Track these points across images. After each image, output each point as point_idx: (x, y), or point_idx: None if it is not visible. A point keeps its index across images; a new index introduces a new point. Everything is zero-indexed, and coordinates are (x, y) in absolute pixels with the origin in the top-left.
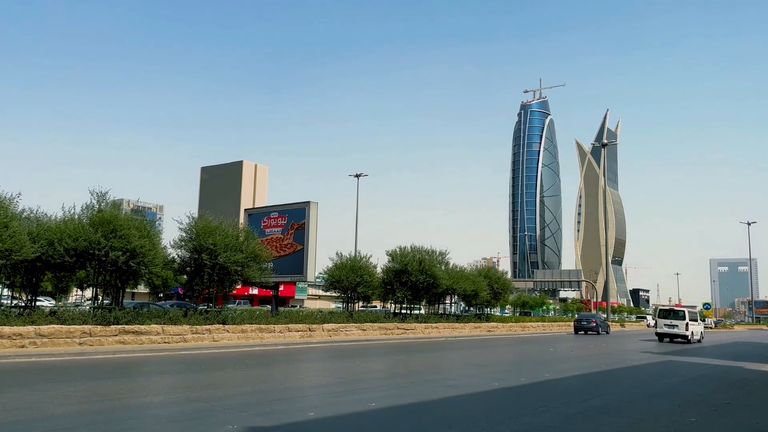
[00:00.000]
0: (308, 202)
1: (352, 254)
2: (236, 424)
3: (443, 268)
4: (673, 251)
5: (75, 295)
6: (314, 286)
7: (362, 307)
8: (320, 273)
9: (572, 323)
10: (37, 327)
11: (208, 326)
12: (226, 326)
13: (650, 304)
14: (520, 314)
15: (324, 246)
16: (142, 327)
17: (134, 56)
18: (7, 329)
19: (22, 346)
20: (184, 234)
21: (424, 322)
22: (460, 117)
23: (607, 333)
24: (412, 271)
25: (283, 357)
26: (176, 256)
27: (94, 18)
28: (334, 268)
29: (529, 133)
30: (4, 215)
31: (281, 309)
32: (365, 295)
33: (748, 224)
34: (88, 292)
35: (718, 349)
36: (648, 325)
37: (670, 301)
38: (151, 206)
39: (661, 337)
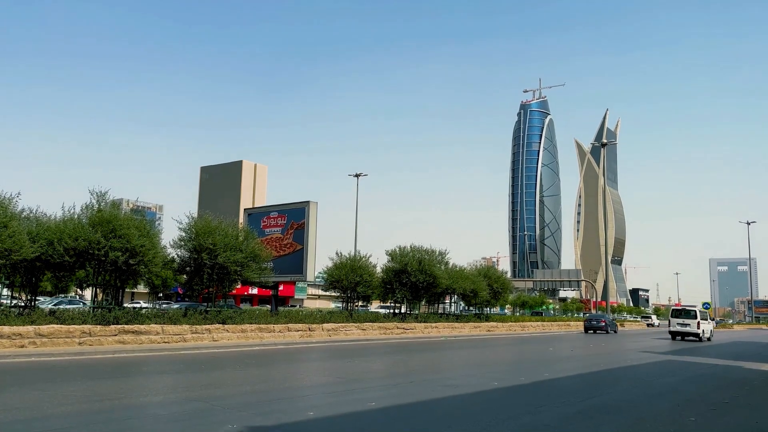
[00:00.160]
0: (308, 201)
1: (352, 254)
2: (236, 424)
3: (443, 267)
4: (672, 251)
5: (74, 294)
6: (314, 285)
7: (360, 306)
8: (320, 273)
9: (571, 323)
10: (36, 327)
11: (207, 326)
12: (226, 326)
13: (650, 304)
14: (531, 314)
15: (324, 246)
16: (142, 327)
17: (133, 56)
18: (6, 329)
19: (22, 346)
20: (183, 234)
21: (424, 322)
22: (460, 117)
23: (615, 332)
24: (411, 270)
25: (282, 357)
26: (176, 256)
27: (94, 18)
28: (333, 267)
29: (529, 132)
30: (4, 215)
31: (281, 308)
32: (365, 294)
33: (748, 224)
34: (88, 292)
35: (718, 348)
36: (648, 325)
37: (669, 300)
38: (150, 206)
39: (674, 335)
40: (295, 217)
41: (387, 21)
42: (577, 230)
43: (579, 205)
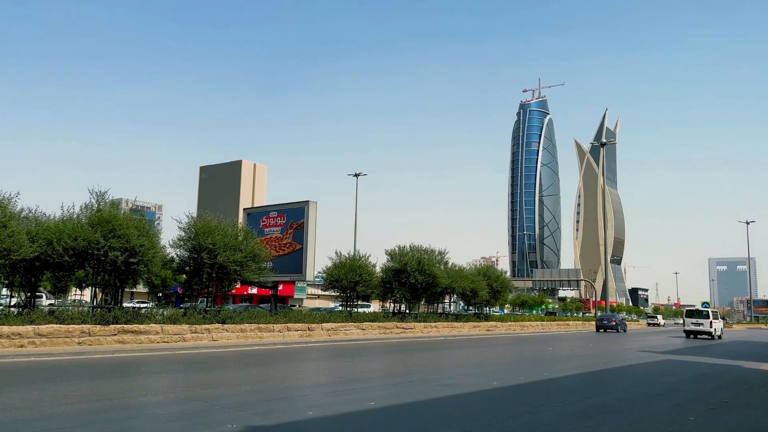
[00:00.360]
0: (307, 201)
1: (351, 253)
2: (235, 424)
3: (442, 267)
4: (671, 250)
5: (74, 294)
6: (313, 285)
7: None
8: (319, 272)
9: (570, 322)
10: (36, 326)
11: (207, 326)
12: (225, 326)
13: (649, 303)
14: (545, 314)
15: (323, 245)
16: (141, 326)
17: (133, 56)
18: (6, 329)
19: (21, 346)
20: (183, 233)
21: (423, 322)
22: (460, 116)
23: (625, 331)
24: (411, 270)
25: (282, 356)
26: (175, 256)
27: (93, 18)
28: (333, 267)
29: (529, 132)
30: (3, 215)
31: (280, 308)
32: (364, 294)
33: (747, 223)
34: (87, 292)
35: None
36: (653, 325)
37: (668, 300)
38: (149, 206)
39: (687, 333)
40: (294, 217)
41: (386, 21)
42: (577, 230)
43: (578, 204)
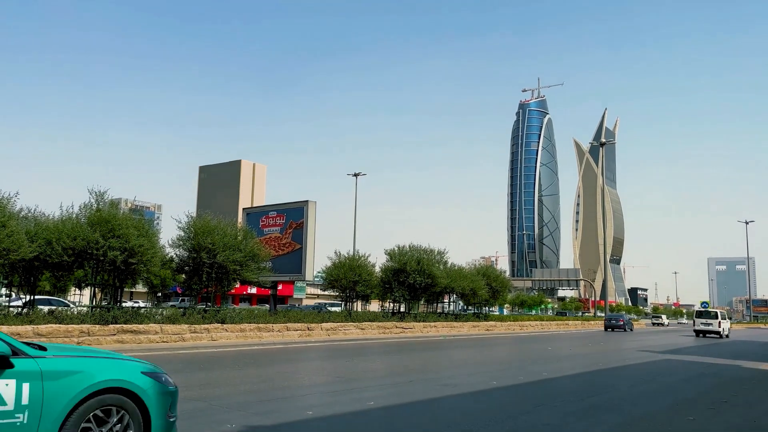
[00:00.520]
0: (306, 201)
1: (351, 253)
2: (235, 423)
3: (441, 267)
4: (671, 250)
5: (74, 294)
6: (313, 285)
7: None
8: (319, 272)
9: (570, 322)
10: (35, 326)
11: (206, 325)
12: (225, 325)
13: (648, 303)
14: (556, 314)
15: (322, 245)
16: (141, 326)
17: (132, 55)
18: (5, 329)
19: None
20: (182, 233)
21: (423, 321)
22: (459, 116)
23: (632, 330)
24: (410, 270)
25: (281, 356)
26: (174, 256)
27: (93, 16)
28: (332, 267)
29: (528, 132)
30: (2, 214)
31: (279, 308)
32: (364, 294)
33: (746, 223)
34: (87, 292)
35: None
36: (657, 324)
37: (668, 300)
38: (149, 205)
39: (697, 333)
40: (293, 217)
41: (385, 21)
42: (576, 229)
43: (578, 204)
